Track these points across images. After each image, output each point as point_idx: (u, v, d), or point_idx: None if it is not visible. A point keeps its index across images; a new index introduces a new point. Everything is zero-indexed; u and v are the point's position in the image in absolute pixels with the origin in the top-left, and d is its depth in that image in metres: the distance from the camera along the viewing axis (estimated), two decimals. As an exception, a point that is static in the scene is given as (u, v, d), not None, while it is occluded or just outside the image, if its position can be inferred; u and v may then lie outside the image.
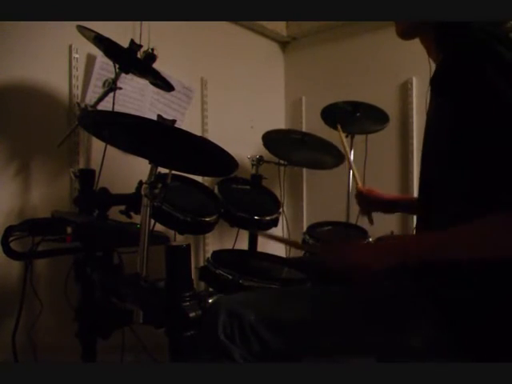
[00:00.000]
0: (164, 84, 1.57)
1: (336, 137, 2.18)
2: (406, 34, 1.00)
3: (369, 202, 1.41)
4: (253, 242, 2.02)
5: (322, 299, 0.94)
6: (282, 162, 2.27)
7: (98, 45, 1.53)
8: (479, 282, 0.84)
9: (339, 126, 1.80)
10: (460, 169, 0.86)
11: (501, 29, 0.86)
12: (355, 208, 2.25)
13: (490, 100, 0.77)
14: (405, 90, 2.31)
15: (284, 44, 2.87)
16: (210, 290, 1.49)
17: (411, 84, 2.27)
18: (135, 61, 1.52)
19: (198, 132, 2.28)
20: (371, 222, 1.45)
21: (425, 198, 0.99)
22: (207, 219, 1.60)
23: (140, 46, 1.54)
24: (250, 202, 1.93)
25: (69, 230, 1.25)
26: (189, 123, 2.17)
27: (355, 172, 1.58)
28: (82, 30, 1.45)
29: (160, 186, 1.19)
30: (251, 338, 0.86)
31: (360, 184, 1.46)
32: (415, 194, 1.95)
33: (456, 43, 0.84)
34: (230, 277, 1.26)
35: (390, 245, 0.93)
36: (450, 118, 0.85)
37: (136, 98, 1.98)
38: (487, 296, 0.83)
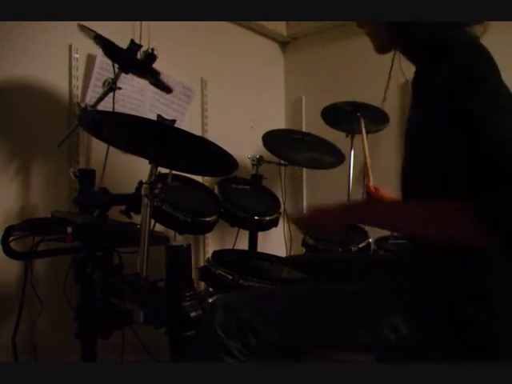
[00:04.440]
0: (163, 87, 1.57)
1: (336, 137, 2.20)
2: (379, 49, 1.04)
3: None
4: (253, 241, 2.02)
5: (317, 294, 0.96)
6: (282, 161, 2.27)
7: (99, 43, 1.53)
8: (471, 276, 0.85)
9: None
10: (431, 165, 0.89)
11: (463, 32, 0.87)
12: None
13: (450, 103, 0.79)
14: (405, 90, 2.31)
15: (284, 44, 2.87)
16: (210, 290, 1.49)
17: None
18: (135, 61, 1.52)
19: (198, 132, 2.28)
20: None
21: (404, 194, 1.01)
22: (207, 219, 1.60)
23: (140, 46, 1.54)
24: (250, 202, 1.93)
25: (69, 230, 1.24)
26: (189, 123, 2.17)
27: (369, 172, 1.57)
28: (83, 29, 1.45)
29: (160, 185, 1.19)
30: (247, 332, 0.87)
31: (371, 184, 1.47)
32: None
33: (424, 54, 0.87)
34: (230, 277, 1.26)
35: (352, 206, 1.01)
36: (425, 121, 0.88)
37: (136, 97, 1.98)
38: (480, 291, 0.83)
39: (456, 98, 0.78)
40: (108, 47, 1.49)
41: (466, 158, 0.78)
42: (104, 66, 1.80)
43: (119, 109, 1.80)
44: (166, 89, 1.58)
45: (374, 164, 2.31)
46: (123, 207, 1.46)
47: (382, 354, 0.94)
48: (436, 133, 0.84)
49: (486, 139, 0.75)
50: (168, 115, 1.94)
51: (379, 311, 0.89)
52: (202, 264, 2.10)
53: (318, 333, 0.90)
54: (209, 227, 1.66)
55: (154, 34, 1.89)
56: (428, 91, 0.84)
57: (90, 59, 1.82)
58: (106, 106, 1.63)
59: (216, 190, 1.83)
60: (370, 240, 1.93)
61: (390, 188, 2.33)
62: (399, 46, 1.01)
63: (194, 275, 1.19)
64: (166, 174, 1.27)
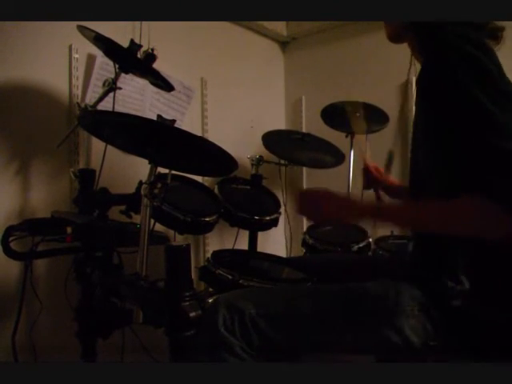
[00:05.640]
0: (164, 84, 1.57)
1: (336, 137, 2.19)
2: (392, 38, 1.04)
3: (374, 179, 1.42)
4: (253, 241, 2.02)
5: (320, 295, 0.95)
6: (282, 161, 2.27)
7: (98, 45, 1.53)
8: (473, 277, 0.85)
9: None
10: (443, 165, 0.88)
11: (475, 31, 0.88)
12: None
13: (462, 102, 0.79)
14: (405, 90, 2.31)
15: (284, 44, 2.87)
16: (210, 290, 1.49)
17: (411, 84, 2.27)
18: (135, 61, 1.52)
19: (198, 132, 2.27)
20: (378, 196, 1.45)
21: (415, 191, 1.01)
22: (207, 219, 1.60)
23: (140, 46, 1.54)
24: (250, 201, 1.93)
25: (69, 230, 1.24)
26: (189, 123, 2.17)
27: (367, 149, 1.60)
28: (83, 30, 1.45)
29: (160, 185, 1.19)
30: (251, 331, 0.87)
31: (368, 159, 1.47)
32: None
33: (432, 47, 0.87)
34: (230, 277, 1.26)
35: (365, 205, 0.95)
36: (432, 119, 0.87)
37: (136, 97, 1.98)
38: (487, 295, 0.83)
39: (463, 88, 0.78)
40: (108, 47, 1.49)
41: (477, 150, 0.78)
42: (104, 66, 1.80)
43: (119, 109, 1.80)
44: (168, 86, 1.57)
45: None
46: (123, 207, 1.46)
47: (384, 355, 0.94)
48: (445, 128, 0.83)
49: (493, 128, 0.75)
50: (168, 115, 1.94)
51: (380, 312, 0.89)
52: (201, 264, 2.10)
53: (320, 333, 0.90)
54: (209, 227, 1.66)
55: (154, 34, 1.89)
56: (435, 86, 0.84)
57: (90, 59, 1.82)
58: (106, 105, 1.63)
59: (216, 190, 1.83)
60: (370, 240, 1.93)
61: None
62: (410, 38, 1.00)
63: (193, 275, 1.19)
64: (165, 174, 1.27)
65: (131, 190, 1.47)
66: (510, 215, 0.73)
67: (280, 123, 2.83)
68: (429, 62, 0.88)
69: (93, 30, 1.41)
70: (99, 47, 1.55)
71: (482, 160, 0.77)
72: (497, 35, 0.93)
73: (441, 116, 0.84)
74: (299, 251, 2.16)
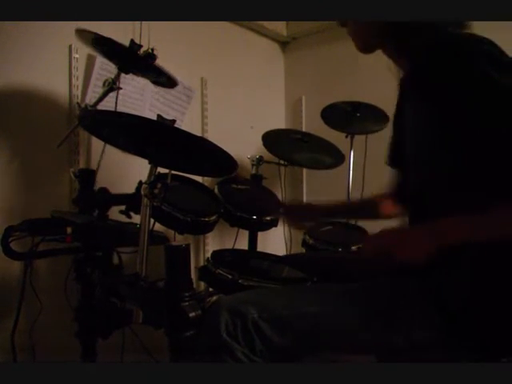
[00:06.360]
0: (167, 80, 1.56)
1: (336, 137, 2.19)
2: (364, 49, 1.04)
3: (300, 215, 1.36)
4: (253, 241, 2.02)
5: (323, 297, 0.94)
6: (281, 162, 2.27)
7: (97, 48, 1.52)
8: (480, 280, 0.84)
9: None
10: (456, 159, 0.86)
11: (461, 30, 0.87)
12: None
13: (485, 89, 0.77)
14: (405, 90, 2.31)
15: (284, 44, 2.87)
16: (210, 289, 1.49)
17: (411, 84, 2.26)
18: (135, 61, 1.52)
19: (197, 132, 2.28)
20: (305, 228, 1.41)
21: (417, 190, 0.99)
22: (207, 219, 1.60)
23: (140, 46, 1.54)
24: (250, 201, 1.93)
25: (69, 230, 1.25)
26: (189, 123, 2.17)
27: None
28: (81, 34, 1.45)
29: (160, 185, 1.19)
30: (254, 336, 0.86)
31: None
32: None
33: (423, 46, 0.86)
34: (230, 277, 1.26)
35: (425, 230, 0.85)
36: (442, 112, 0.84)
37: (136, 97, 1.98)
38: (487, 295, 0.83)
39: (493, 83, 0.76)
40: (108, 47, 1.49)
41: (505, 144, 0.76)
42: (104, 66, 1.80)
43: (119, 109, 1.80)
44: (170, 82, 1.56)
45: (373, 164, 2.32)
46: (123, 207, 1.46)
47: (385, 355, 0.93)
48: (464, 120, 0.81)
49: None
50: (168, 115, 1.94)
51: (382, 311, 0.89)
52: (201, 264, 2.10)
53: (323, 335, 0.89)
54: (209, 227, 1.66)
55: (154, 34, 1.89)
56: (440, 83, 0.82)
57: (90, 59, 1.82)
58: (106, 105, 1.63)
59: (216, 190, 1.83)
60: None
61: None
62: (389, 46, 0.99)
63: (193, 275, 1.19)
64: (165, 174, 1.27)
65: (131, 189, 1.47)
66: None
67: (280, 123, 2.83)
68: (423, 61, 0.86)
69: (92, 32, 1.41)
70: (98, 51, 1.54)
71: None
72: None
73: (457, 108, 0.81)
74: (299, 251, 2.16)
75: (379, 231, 0.89)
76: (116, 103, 1.61)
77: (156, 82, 1.65)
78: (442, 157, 0.88)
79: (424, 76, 0.86)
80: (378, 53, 1.04)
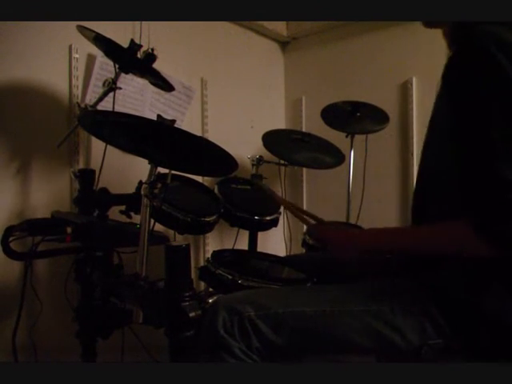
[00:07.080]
0: (164, 84, 1.57)
1: (336, 137, 2.19)
2: (428, 22, 1.00)
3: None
4: (253, 241, 2.02)
5: (320, 296, 0.95)
6: (282, 162, 2.27)
7: (98, 45, 1.53)
8: (476, 280, 0.84)
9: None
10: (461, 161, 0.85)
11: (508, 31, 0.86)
12: (355, 207, 2.27)
13: (504, 86, 0.77)
14: (405, 90, 2.31)
15: (284, 44, 2.87)
16: (210, 289, 1.49)
17: (411, 84, 2.27)
18: (135, 61, 1.52)
19: (198, 132, 2.27)
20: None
21: (422, 187, 1.00)
22: (207, 219, 1.60)
23: (140, 46, 1.54)
24: (250, 201, 1.93)
25: (69, 230, 1.24)
26: (189, 123, 2.17)
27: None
28: (82, 30, 1.45)
29: (160, 185, 1.19)
30: (251, 333, 0.87)
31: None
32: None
33: (460, 42, 0.84)
34: (230, 277, 1.26)
35: (359, 233, 1.04)
36: (461, 110, 0.83)
37: (136, 97, 1.98)
38: (487, 294, 0.83)
39: (479, 99, 0.78)
40: (108, 47, 1.49)
41: (477, 175, 0.78)
42: (104, 66, 1.80)
43: (119, 109, 1.80)
44: (168, 86, 1.57)
45: (373, 164, 2.32)
46: (123, 207, 1.46)
47: (384, 355, 0.93)
48: (455, 131, 0.82)
49: (495, 157, 0.75)
50: (168, 115, 1.94)
51: (382, 311, 0.89)
52: (201, 264, 2.10)
53: (321, 334, 0.90)
54: (209, 227, 1.66)
55: (154, 34, 1.89)
56: (456, 84, 0.82)
57: (90, 59, 1.82)
58: (106, 105, 1.63)
59: (216, 190, 1.83)
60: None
61: (390, 188, 2.35)
62: (446, 30, 0.97)
63: (193, 275, 1.19)
64: (165, 174, 1.27)
65: (131, 189, 1.47)
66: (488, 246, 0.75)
67: (280, 123, 2.83)
68: (455, 57, 0.84)
69: (93, 30, 1.41)
70: (99, 47, 1.55)
71: (480, 187, 0.77)
72: None
73: (455, 117, 0.82)
74: (299, 251, 2.16)
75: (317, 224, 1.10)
76: (114, 103, 1.61)
77: (155, 84, 1.65)
78: (450, 154, 0.87)
79: (447, 71, 0.85)
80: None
